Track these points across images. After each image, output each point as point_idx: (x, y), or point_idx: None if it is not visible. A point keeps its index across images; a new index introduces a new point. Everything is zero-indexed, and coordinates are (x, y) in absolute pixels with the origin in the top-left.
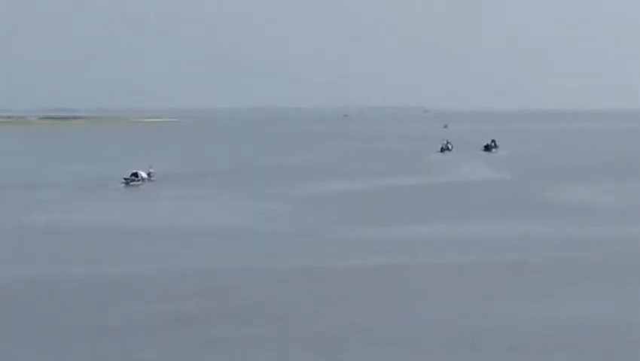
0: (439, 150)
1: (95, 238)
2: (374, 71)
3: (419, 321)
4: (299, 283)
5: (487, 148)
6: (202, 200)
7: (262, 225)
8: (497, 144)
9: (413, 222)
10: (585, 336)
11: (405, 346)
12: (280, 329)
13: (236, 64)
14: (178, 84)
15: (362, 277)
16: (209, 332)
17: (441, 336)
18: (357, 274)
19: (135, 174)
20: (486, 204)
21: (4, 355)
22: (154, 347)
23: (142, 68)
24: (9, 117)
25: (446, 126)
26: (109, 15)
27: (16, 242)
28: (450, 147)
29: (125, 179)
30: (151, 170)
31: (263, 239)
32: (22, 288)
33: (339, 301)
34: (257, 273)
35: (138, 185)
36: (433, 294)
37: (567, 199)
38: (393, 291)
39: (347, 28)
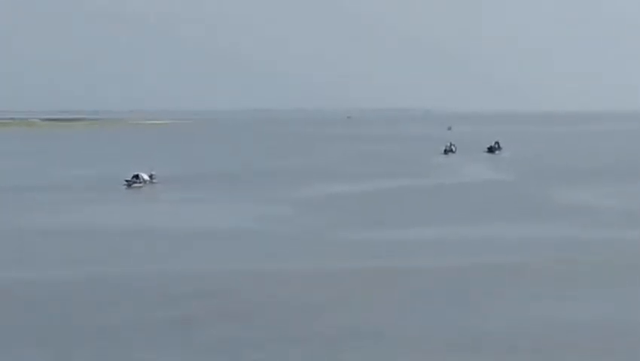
0: (442, 151)
1: (96, 239)
2: (374, 71)
3: (419, 322)
4: (299, 285)
5: (490, 150)
6: (203, 202)
7: (262, 227)
8: (500, 145)
9: (416, 224)
10: (585, 336)
11: (405, 346)
12: (280, 329)
13: (236, 64)
14: (178, 84)
15: (363, 278)
16: (209, 332)
17: (441, 336)
18: (358, 275)
19: (137, 176)
20: (490, 206)
21: (4, 355)
22: (154, 347)
23: (142, 68)
24: (12, 119)
25: (449, 128)
26: (109, 15)
27: (18, 243)
28: (454, 149)
29: (126, 181)
30: (153, 172)
31: (263, 241)
32: (23, 288)
33: (340, 302)
34: (257, 274)
35: (139, 187)
36: (433, 295)
37: (569, 201)
38: (393, 292)
39: (347, 28)
